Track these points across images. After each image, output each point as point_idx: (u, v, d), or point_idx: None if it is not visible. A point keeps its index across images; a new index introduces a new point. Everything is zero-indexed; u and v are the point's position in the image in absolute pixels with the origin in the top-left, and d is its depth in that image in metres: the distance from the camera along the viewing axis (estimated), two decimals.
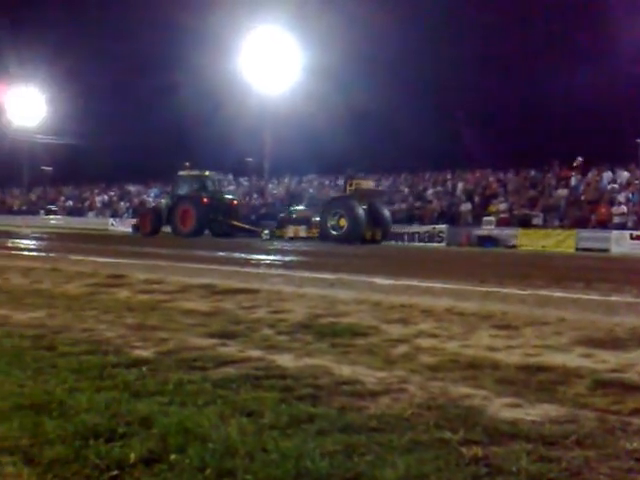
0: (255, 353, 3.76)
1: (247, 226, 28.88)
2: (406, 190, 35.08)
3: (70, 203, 48.07)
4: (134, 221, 32.63)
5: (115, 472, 2.08)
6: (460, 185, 33.02)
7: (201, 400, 2.78)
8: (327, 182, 40.24)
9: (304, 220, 27.51)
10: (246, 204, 36.02)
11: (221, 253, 14.80)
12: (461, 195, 31.99)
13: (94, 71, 52.75)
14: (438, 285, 7.49)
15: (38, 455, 2.17)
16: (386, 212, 26.99)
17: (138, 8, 48.52)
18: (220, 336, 4.22)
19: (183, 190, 29.02)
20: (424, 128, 40.17)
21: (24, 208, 49.56)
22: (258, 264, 11.41)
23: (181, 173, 29.81)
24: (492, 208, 29.55)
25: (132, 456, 2.16)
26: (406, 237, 29.01)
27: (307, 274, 8.81)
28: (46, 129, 53.72)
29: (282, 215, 28.75)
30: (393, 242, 28.21)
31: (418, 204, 32.34)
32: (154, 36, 46.93)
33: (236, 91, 42.19)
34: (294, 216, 28.11)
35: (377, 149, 43.03)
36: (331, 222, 25.44)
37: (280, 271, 9.23)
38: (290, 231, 27.56)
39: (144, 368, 3.32)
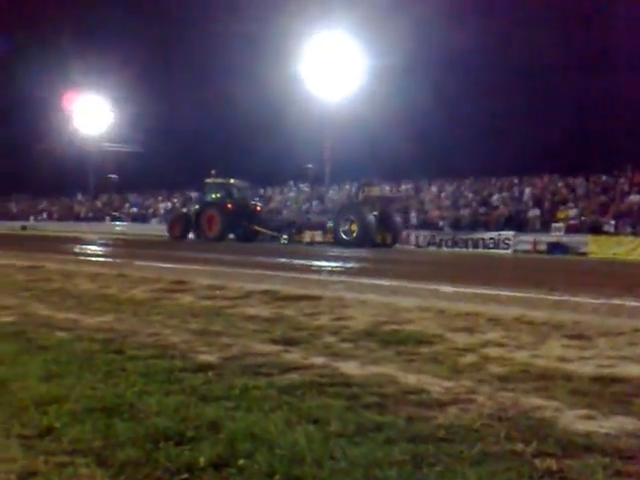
0: (319, 360, 3.74)
1: (268, 231, 29.94)
2: (470, 195, 34.53)
3: (134, 210, 49.24)
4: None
5: (185, 475, 2.10)
6: (527, 190, 32.25)
7: (267, 406, 2.78)
8: (388, 188, 40.07)
9: (320, 225, 28.71)
10: (305, 210, 36.80)
11: (282, 259, 14.88)
12: (529, 200, 31.23)
13: (159, 79, 54.08)
14: (505, 293, 7.31)
15: (110, 457, 2.20)
16: (396, 218, 27.83)
17: (201, 18, 49.53)
18: (283, 342, 4.22)
19: (210, 197, 30.44)
20: (489, 132, 39.52)
21: (90, 215, 50.97)
22: (319, 270, 11.42)
23: (208, 180, 30.94)
24: (561, 214, 28.76)
25: (201, 460, 2.17)
26: (470, 244, 28.54)
27: (368, 281, 8.75)
28: (112, 137, 55.17)
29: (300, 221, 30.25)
30: (457, 248, 27.90)
31: (483, 210, 31.79)
32: (217, 44, 47.73)
33: (297, 97, 42.40)
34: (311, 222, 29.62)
35: (440, 154, 42.54)
36: (343, 227, 26.40)
37: (341, 278, 9.18)
38: (307, 236, 28.73)
39: (210, 373, 3.34)
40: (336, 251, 20.92)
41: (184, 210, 33.32)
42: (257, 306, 5.91)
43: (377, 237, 26.27)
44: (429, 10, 38.94)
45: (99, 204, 54.30)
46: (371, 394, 3.03)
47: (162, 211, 46.59)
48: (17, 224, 51.10)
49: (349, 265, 13.83)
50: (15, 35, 55.36)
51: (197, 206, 30.96)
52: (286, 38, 40.84)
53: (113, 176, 58.07)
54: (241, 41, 47.17)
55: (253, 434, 2.41)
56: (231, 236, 30.22)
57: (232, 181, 30.59)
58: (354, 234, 25.98)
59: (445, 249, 28.80)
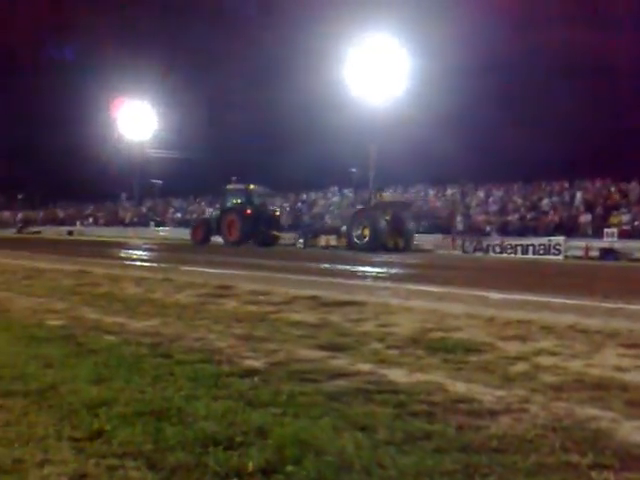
0: (365, 367, 3.70)
1: (285, 236, 31.25)
2: (519, 200, 33.97)
3: (178, 215, 49.87)
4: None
5: None
6: (579, 195, 31.61)
7: (314, 412, 2.75)
8: (432, 192, 39.68)
9: (334, 230, 29.71)
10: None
11: (325, 265, 14.88)
12: (580, 205, 30.62)
13: (204, 85, 54.81)
14: (557, 300, 7.14)
15: (160, 461, 2.20)
16: (409, 222, 28.42)
17: (245, 24, 50.09)
18: (329, 348, 4.19)
19: (230, 202, 31.34)
20: (538, 135, 38.88)
21: (135, 220, 51.79)
22: (363, 276, 11.37)
23: (228, 187, 32.05)
24: (614, 219, 28.13)
25: (250, 465, 2.16)
26: (519, 249, 28.06)
27: (414, 287, 8.66)
28: (156, 142, 56.07)
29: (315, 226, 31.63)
30: (505, 254, 27.48)
31: (532, 215, 31.24)
32: (261, 50, 48.20)
33: (342, 101, 42.41)
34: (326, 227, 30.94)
35: (487, 158, 42.01)
36: (356, 232, 27.18)
37: (386, 284, 9.12)
38: (322, 240, 29.77)
39: (256, 378, 3.33)
40: (381, 257, 20.83)
41: (206, 215, 34.46)
42: (302, 312, 5.89)
43: (389, 242, 26.85)
44: (476, 11, 38.57)
45: (143, 209, 55.14)
46: (419, 402, 2.98)
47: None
48: (64, 229, 52.27)
49: (394, 271, 13.74)
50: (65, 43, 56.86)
51: (218, 212, 31.94)
52: (330, 42, 40.94)
53: (157, 181, 58.97)
54: (285, 46, 47.52)
55: (301, 440, 2.38)
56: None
57: (252, 187, 31.44)
58: (366, 239, 26.60)
59: (492, 255, 28.40)
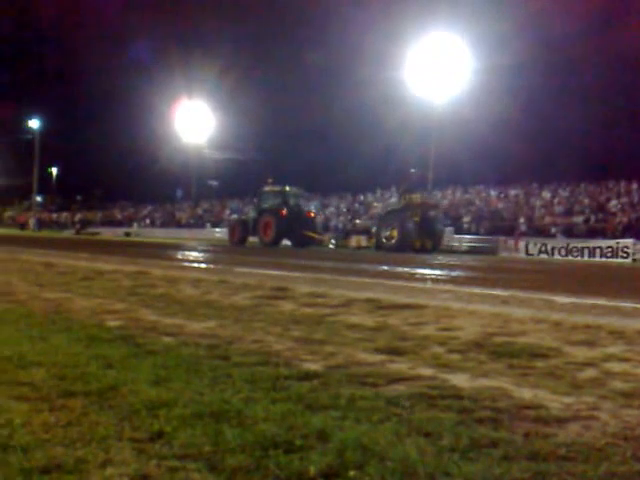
0: (426, 371, 3.61)
1: (318, 236, 31.73)
2: (586, 201, 33.06)
3: (235, 216, 50.38)
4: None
5: None
6: None
7: (375, 417, 2.69)
8: (494, 193, 38.99)
9: (365, 231, 30.50)
10: None
11: (384, 267, 14.78)
12: None
13: (261, 87, 55.27)
14: (628, 304, 6.88)
15: (220, 463, 2.17)
16: (438, 224, 28.92)
17: (303, 24, 50.24)
18: (388, 352, 4.11)
19: (266, 203, 32.06)
20: (605, 134, 37.74)
21: (191, 221, 52.55)
22: (422, 279, 11.23)
23: (265, 188, 32.92)
24: None
25: (311, 469, 2.11)
26: (586, 252, 27.31)
27: (476, 290, 8.50)
28: (213, 144, 56.82)
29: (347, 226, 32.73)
30: (571, 257, 26.79)
31: (599, 216, 30.35)
32: (319, 50, 48.27)
33: (401, 100, 42.10)
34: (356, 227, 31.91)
35: (553, 157, 40.99)
36: (385, 233, 27.94)
37: (447, 286, 8.96)
38: (353, 241, 30.46)
39: (315, 381, 3.29)
40: (441, 259, 20.58)
41: (243, 217, 35.30)
42: (359, 314, 5.82)
43: (417, 243, 27.27)
44: (539, 7, 37.73)
45: (199, 211, 55.90)
46: (484, 408, 2.88)
47: None
48: (121, 230, 53.41)
49: (455, 273, 13.54)
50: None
51: (254, 212, 32.63)
52: (390, 40, 40.71)
53: (214, 183, 59.68)
54: (344, 46, 47.49)
55: (363, 445, 2.32)
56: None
57: (287, 188, 32.29)
58: (394, 239, 27.26)
59: (558, 258, 27.77)
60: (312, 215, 32.82)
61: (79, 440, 2.34)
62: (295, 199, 32.45)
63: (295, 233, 31.05)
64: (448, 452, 2.32)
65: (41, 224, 64.46)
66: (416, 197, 30.23)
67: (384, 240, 27.74)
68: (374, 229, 29.41)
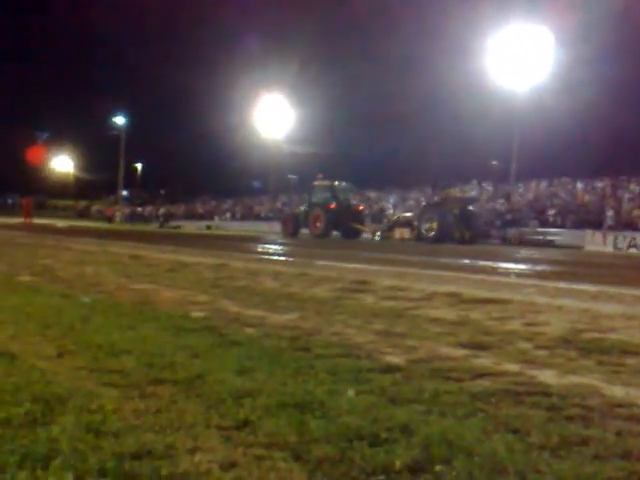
0: (512, 367, 3.52)
1: (365, 229, 33.32)
2: None
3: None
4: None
5: (381, 477, 2.03)
6: None
7: (460, 412, 2.64)
8: (580, 186, 37.61)
9: (408, 223, 31.38)
10: (491, 209, 37.13)
11: (465, 260, 14.55)
12: None
13: (339, 81, 55.20)
14: None
15: (306, 453, 2.18)
16: (477, 216, 30.61)
17: (379, 15, 49.88)
18: (471, 347, 4.03)
19: (316, 197, 33.59)
20: None
21: (270, 215, 53.26)
22: (506, 273, 10.98)
23: (315, 183, 34.51)
24: None
25: (397, 463, 2.09)
26: None
27: (563, 285, 8.24)
28: (292, 138, 57.36)
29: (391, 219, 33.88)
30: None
31: None
32: (397, 42, 47.84)
33: (483, 91, 41.17)
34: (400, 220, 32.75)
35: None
36: (425, 225, 29.23)
37: (531, 281, 8.72)
38: (397, 233, 31.44)
39: (397, 375, 3.26)
40: (525, 253, 20.06)
41: (295, 210, 36.60)
42: (441, 308, 5.74)
43: (456, 234, 28.50)
44: None
45: (279, 204, 56.54)
46: (573, 405, 2.79)
47: None
48: (202, 224, 54.81)
49: (540, 268, 13.17)
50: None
51: (305, 206, 34.17)
52: (472, 29, 39.88)
53: (293, 177, 60.31)
54: (424, 35, 46.81)
55: (448, 440, 2.29)
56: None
57: (336, 183, 33.89)
58: (433, 232, 28.51)
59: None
60: (360, 209, 34.30)
61: (168, 427, 2.40)
62: (345, 194, 34.03)
63: (343, 226, 32.41)
64: (537, 449, 2.26)
65: (132, 217, 67.16)
66: (454, 191, 32.01)
67: (424, 232, 29.05)
68: (415, 222, 30.81)
